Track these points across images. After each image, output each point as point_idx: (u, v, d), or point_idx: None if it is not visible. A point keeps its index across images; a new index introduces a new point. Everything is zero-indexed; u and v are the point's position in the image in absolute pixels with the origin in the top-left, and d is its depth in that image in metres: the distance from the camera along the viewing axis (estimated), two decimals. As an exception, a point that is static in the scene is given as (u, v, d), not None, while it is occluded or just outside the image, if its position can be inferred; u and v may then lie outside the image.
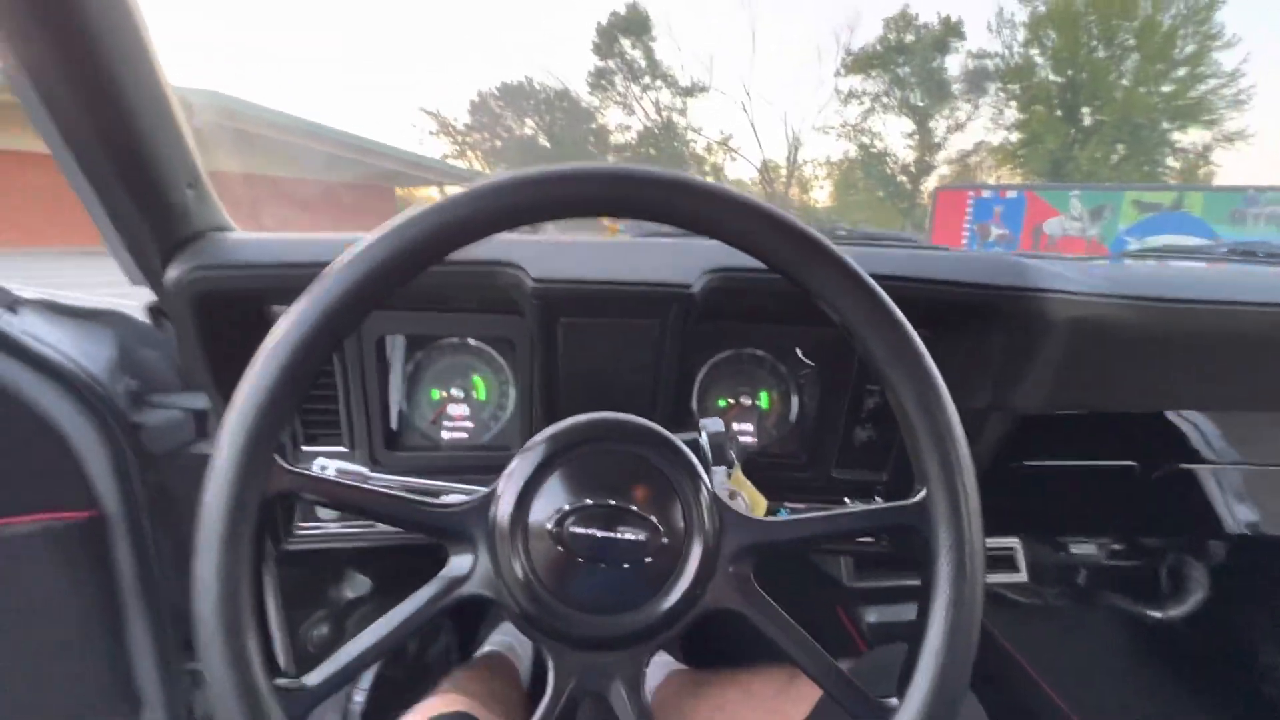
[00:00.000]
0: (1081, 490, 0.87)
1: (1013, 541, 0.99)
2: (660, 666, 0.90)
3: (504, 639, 1.06)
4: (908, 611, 1.10)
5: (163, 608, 0.78)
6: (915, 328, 0.38)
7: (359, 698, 0.90)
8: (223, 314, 0.63)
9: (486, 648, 1.04)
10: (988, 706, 0.58)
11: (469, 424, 0.78)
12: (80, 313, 0.74)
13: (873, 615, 1.05)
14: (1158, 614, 1.20)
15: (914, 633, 0.38)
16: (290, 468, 0.37)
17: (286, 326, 0.35)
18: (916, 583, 0.39)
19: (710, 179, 0.38)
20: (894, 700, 0.37)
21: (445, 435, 0.78)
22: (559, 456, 0.40)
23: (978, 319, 0.66)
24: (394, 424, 0.76)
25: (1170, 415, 0.87)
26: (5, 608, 0.69)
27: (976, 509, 0.37)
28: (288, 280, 0.63)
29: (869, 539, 0.80)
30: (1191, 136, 17.59)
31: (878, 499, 0.80)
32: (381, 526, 0.77)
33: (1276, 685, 1.10)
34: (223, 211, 0.67)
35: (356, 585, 0.95)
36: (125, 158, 0.55)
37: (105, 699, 0.76)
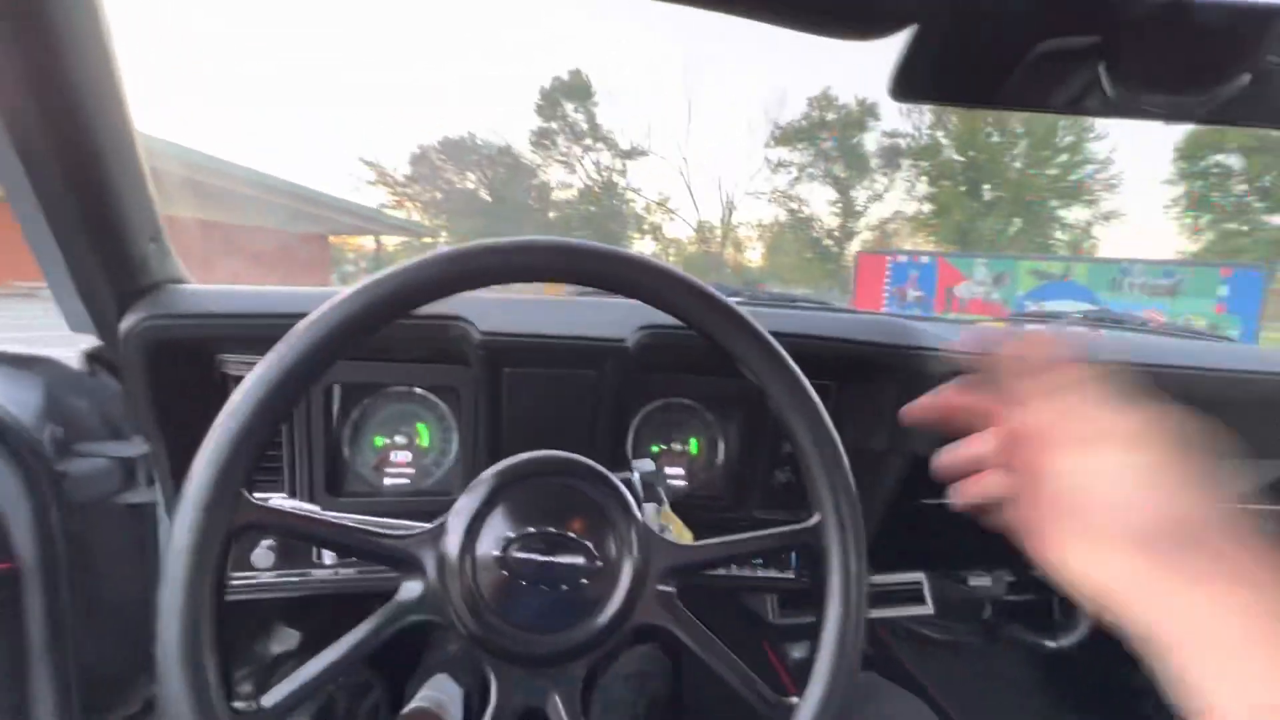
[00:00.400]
0: (974, 526, 0.98)
1: (919, 576, 1.08)
2: None
3: (433, 695, 1.04)
4: None
5: (69, 666, 0.74)
6: (819, 379, 0.46)
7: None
8: (174, 362, 0.64)
9: (415, 703, 1.02)
10: None
11: (410, 470, 0.80)
12: (9, 359, 0.73)
13: (798, 651, 1.11)
14: (1052, 643, 1.31)
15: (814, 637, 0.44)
16: (257, 502, 0.40)
17: (263, 369, 0.39)
18: None
19: (649, 238, 0.46)
20: (794, 699, 0.43)
21: (387, 481, 0.80)
22: (504, 490, 0.45)
23: (874, 372, 0.76)
24: (337, 470, 0.78)
25: None
26: None
27: (860, 527, 0.45)
28: (241, 330, 0.66)
29: (790, 576, 0.86)
30: (1075, 214, 19.95)
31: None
32: (318, 574, 0.77)
33: (1154, 704, 1.22)
34: (179, 264, 0.70)
35: (283, 638, 0.92)
36: (94, 209, 0.58)
37: (-1, 763, 0.71)
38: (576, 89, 23.14)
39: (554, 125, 23.65)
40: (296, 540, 0.66)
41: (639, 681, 1.11)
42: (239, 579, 0.76)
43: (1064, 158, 19.09)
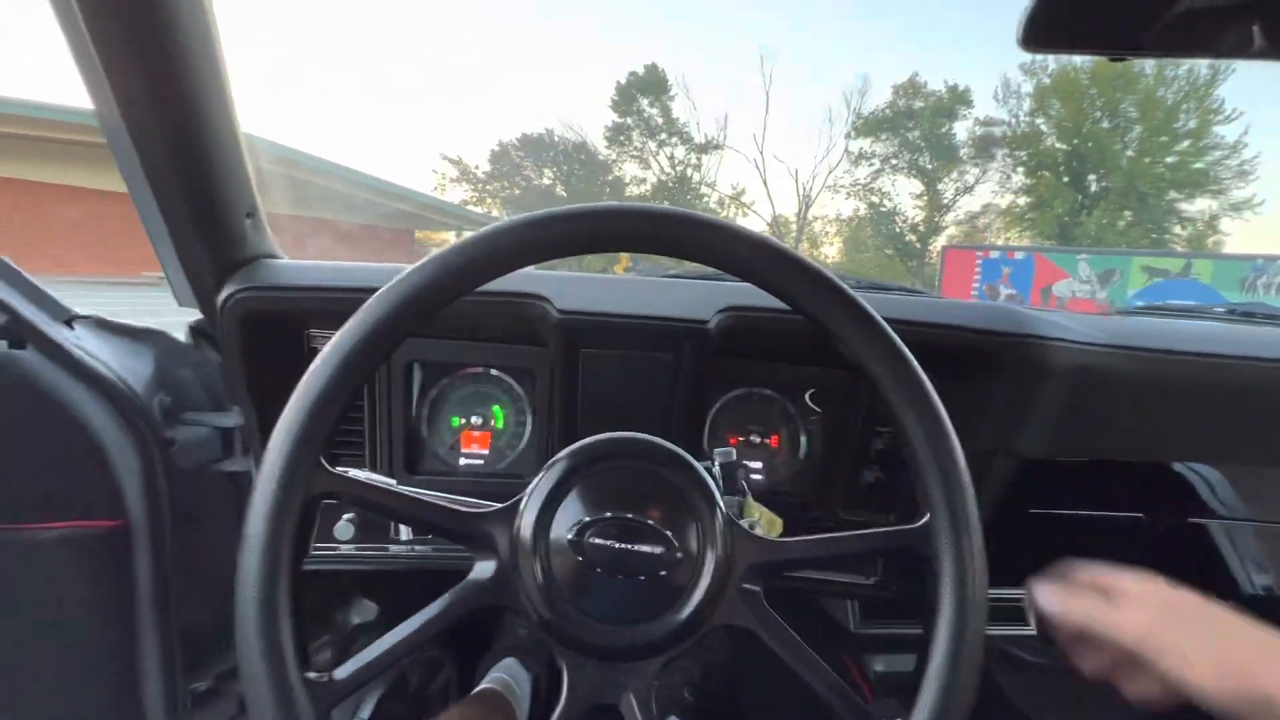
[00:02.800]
0: (1089, 541, 0.87)
1: (1022, 593, 0.98)
2: None
3: (502, 677, 1.05)
4: (914, 661, 1.09)
5: (174, 624, 0.79)
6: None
7: (359, 727, 0.89)
8: (267, 333, 0.67)
9: (485, 684, 1.03)
10: None
11: (485, 451, 0.80)
12: (127, 330, 0.78)
13: (880, 664, 1.03)
14: None
15: (921, 654, 0.39)
16: (333, 470, 0.39)
17: (339, 338, 0.38)
18: (921, 631, 0.41)
19: None
20: (899, 718, 0.38)
21: (463, 461, 0.80)
22: (580, 472, 0.42)
23: (981, 364, 0.69)
24: (415, 449, 0.79)
25: (1179, 468, 0.87)
26: (26, 610, 0.71)
27: (978, 530, 0.39)
28: (329, 303, 0.67)
29: (874, 582, 0.80)
30: (1199, 205, 17.92)
31: None
32: (395, 549, 0.79)
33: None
34: (274, 241, 0.72)
35: (363, 611, 0.95)
36: (194, 186, 0.61)
37: (110, 709, 0.77)
38: (651, 83, 23.15)
39: (629, 121, 23.80)
40: (371, 511, 0.67)
41: (698, 654, 1.10)
42: (320, 549, 0.78)
43: (1185, 144, 17.19)
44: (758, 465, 0.82)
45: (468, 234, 0.41)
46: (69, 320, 0.71)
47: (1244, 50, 0.42)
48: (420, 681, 1.00)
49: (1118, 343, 0.67)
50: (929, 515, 0.40)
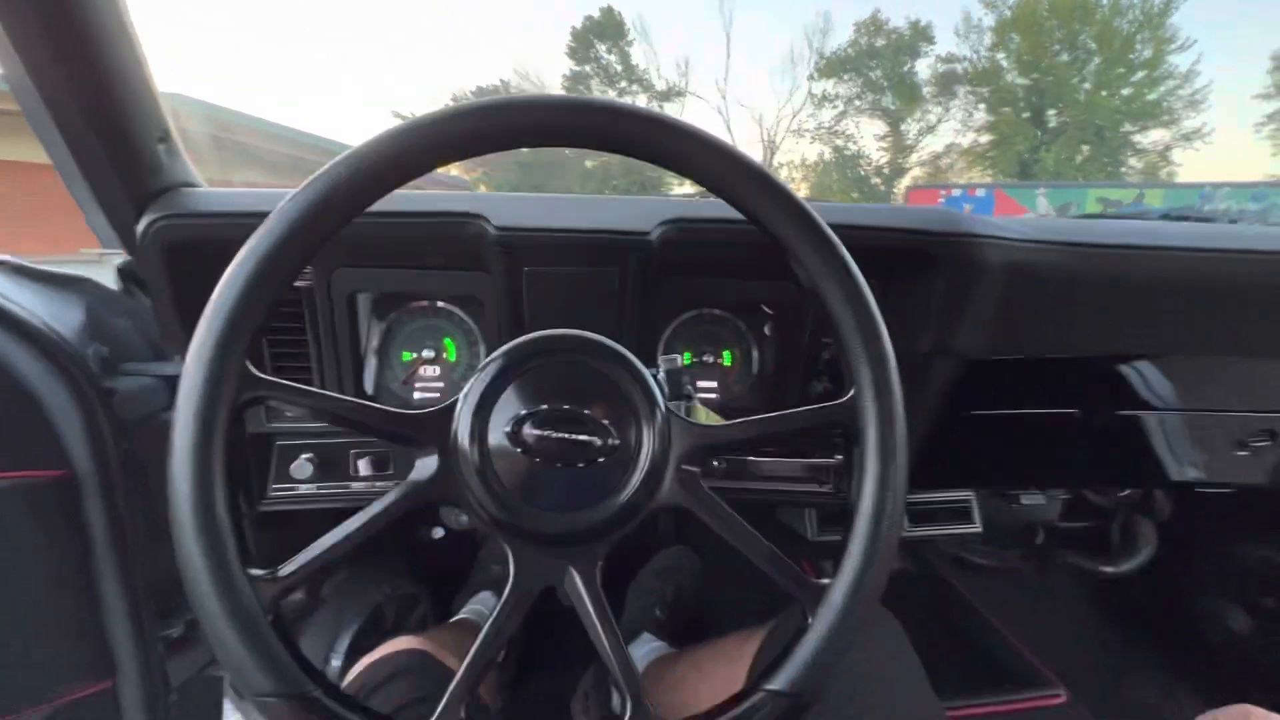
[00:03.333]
0: (1028, 439, 0.92)
1: (968, 494, 1.03)
2: (651, 652, 0.95)
3: (478, 608, 1.08)
4: None
5: (136, 574, 0.78)
6: (866, 277, 0.42)
7: (336, 662, 0.92)
8: (193, 264, 0.64)
9: (459, 616, 1.06)
10: (956, 659, 0.62)
11: (440, 384, 0.80)
12: (51, 278, 0.75)
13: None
14: (1110, 569, 1.26)
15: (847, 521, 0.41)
16: (261, 375, 0.39)
17: (251, 241, 0.37)
18: None
19: (688, 182, 0.42)
20: (825, 580, 0.41)
21: (417, 395, 0.80)
22: (515, 368, 0.43)
23: (918, 265, 0.70)
24: (368, 385, 0.78)
25: (1115, 364, 0.91)
26: None
27: (898, 396, 0.41)
28: (251, 229, 0.65)
29: (829, 490, 0.83)
30: (1152, 137, 18.25)
31: (838, 456, 0.84)
32: (356, 486, 0.79)
33: (1219, 630, 1.16)
34: (192, 168, 0.69)
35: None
36: (97, 110, 0.57)
37: (79, 665, 0.77)
38: (609, 28, 22.31)
39: (587, 69, 22.99)
40: (308, 414, 0.66)
41: (668, 576, 1.17)
42: (279, 490, 0.78)
43: (1140, 74, 17.34)
44: (713, 384, 0.83)
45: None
46: None
47: None
48: (396, 616, 1.03)
49: (1052, 239, 0.69)
50: (853, 389, 0.42)
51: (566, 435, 0.41)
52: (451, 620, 1.00)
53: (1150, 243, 0.71)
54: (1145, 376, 0.91)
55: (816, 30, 22.13)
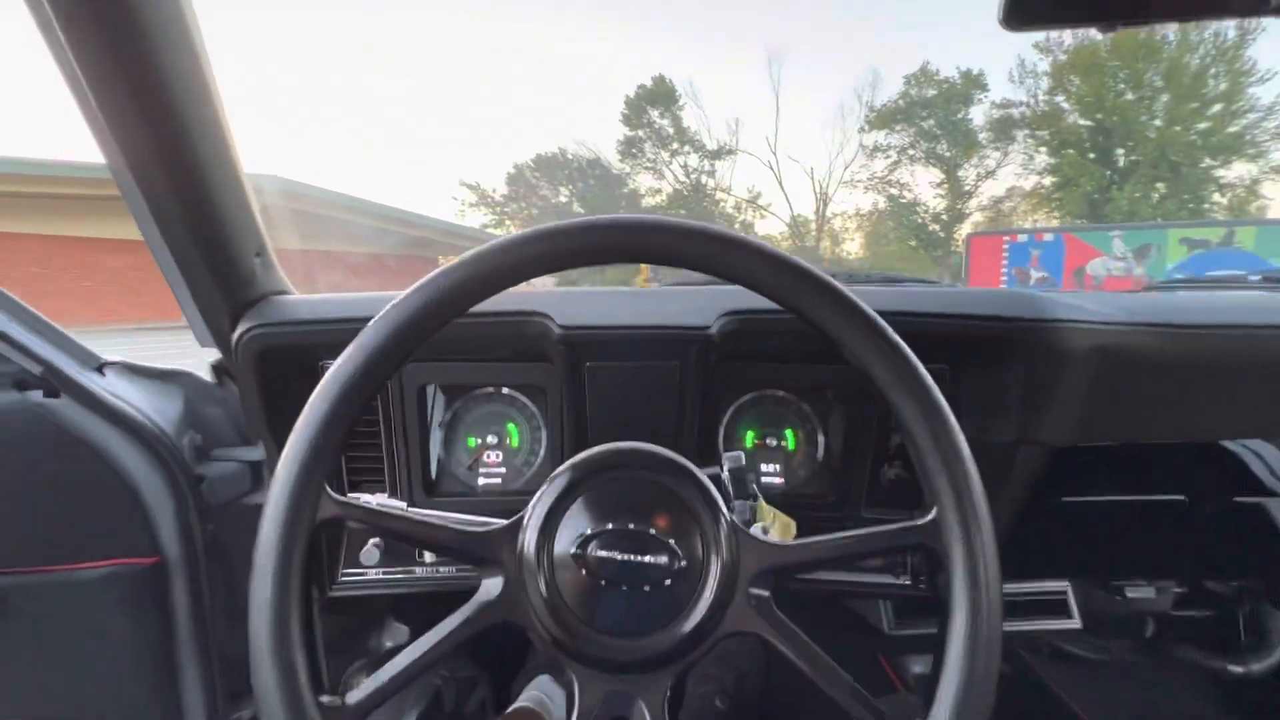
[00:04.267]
0: (1130, 528, 0.84)
1: (1063, 585, 0.94)
2: None
3: (537, 694, 1.05)
4: None
5: (214, 655, 0.81)
6: (932, 363, 0.40)
7: (396, 750, 0.90)
8: (281, 368, 0.69)
9: (519, 702, 1.03)
10: None
11: (503, 470, 0.81)
12: (155, 373, 0.82)
13: (918, 665, 1.01)
14: (1238, 668, 1.11)
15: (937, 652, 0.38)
16: (337, 497, 0.40)
17: (334, 370, 0.39)
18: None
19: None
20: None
21: (481, 481, 0.81)
22: (582, 484, 0.42)
23: (996, 353, 0.67)
24: (433, 471, 0.80)
25: (1222, 446, 0.83)
26: (71, 648, 0.73)
27: (987, 522, 0.38)
28: (339, 335, 0.69)
29: (905, 581, 0.78)
30: (1237, 171, 17.20)
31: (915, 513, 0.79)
32: (420, 572, 0.79)
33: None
34: (284, 278, 0.75)
35: (395, 634, 0.97)
36: (203, 231, 0.63)
37: (157, 740, 0.79)
38: (660, 95, 23.28)
39: (640, 134, 23.95)
40: (379, 534, 0.67)
41: (730, 661, 1.08)
42: (349, 575, 0.80)
43: (1217, 109, 16.54)
44: (775, 469, 0.81)
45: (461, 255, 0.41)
46: (99, 367, 0.74)
47: (1258, 8, 0.40)
48: (455, 701, 1.01)
49: (1139, 320, 0.65)
50: (935, 509, 0.39)
51: (634, 557, 0.40)
52: (512, 709, 0.97)
53: (1253, 321, 0.66)
54: (1262, 457, 0.83)
55: (866, 85, 22.45)
